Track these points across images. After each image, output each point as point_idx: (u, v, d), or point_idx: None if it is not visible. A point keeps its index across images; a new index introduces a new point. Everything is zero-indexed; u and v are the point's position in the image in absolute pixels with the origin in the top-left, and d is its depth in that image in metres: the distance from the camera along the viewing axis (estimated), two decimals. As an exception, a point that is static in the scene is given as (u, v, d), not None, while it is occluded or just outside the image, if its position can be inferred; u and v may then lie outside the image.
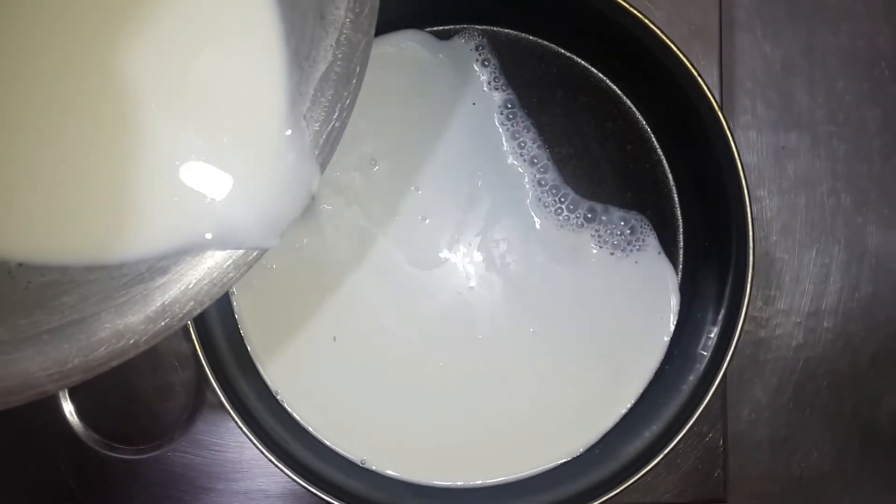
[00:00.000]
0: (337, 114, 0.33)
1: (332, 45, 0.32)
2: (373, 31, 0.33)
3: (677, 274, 0.50)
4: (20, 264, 0.33)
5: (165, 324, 0.32)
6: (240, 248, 0.33)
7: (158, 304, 0.33)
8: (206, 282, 0.33)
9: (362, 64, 0.33)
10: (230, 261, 0.33)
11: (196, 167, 0.33)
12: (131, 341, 0.32)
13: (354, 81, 0.33)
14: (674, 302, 0.50)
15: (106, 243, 0.33)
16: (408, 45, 0.50)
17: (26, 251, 0.32)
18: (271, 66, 0.33)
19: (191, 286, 0.33)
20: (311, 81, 0.33)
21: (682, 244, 0.51)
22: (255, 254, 0.33)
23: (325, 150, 0.33)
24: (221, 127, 0.33)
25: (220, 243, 0.33)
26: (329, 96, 0.33)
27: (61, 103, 0.33)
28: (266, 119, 0.33)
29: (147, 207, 0.33)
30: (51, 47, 0.33)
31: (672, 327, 0.49)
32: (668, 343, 0.49)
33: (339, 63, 0.32)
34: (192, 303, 0.33)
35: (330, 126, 0.33)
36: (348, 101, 0.33)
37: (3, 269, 0.33)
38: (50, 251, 0.33)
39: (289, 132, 0.33)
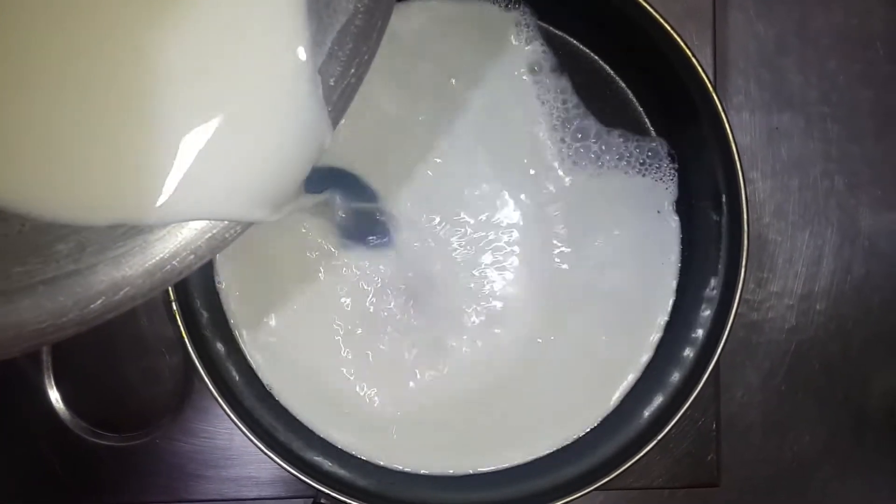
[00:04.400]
0: (354, 69, 0.31)
1: None
2: None
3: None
4: None
5: (163, 276, 0.31)
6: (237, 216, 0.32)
7: (158, 257, 0.31)
8: (207, 235, 0.32)
9: (384, 18, 0.31)
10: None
11: (206, 125, 0.31)
12: (129, 294, 0.31)
13: (375, 36, 0.31)
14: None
15: (105, 204, 0.32)
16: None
17: (24, 201, 0.31)
18: (291, 13, 0.31)
19: (191, 240, 0.32)
20: (329, 33, 0.31)
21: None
22: None
23: (339, 107, 0.31)
24: (233, 80, 0.31)
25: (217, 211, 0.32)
26: (347, 51, 0.31)
27: (71, 51, 0.31)
28: (280, 74, 0.31)
29: (154, 170, 0.31)
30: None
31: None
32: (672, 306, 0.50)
33: (360, 16, 0.31)
34: (191, 256, 0.32)
35: (346, 82, 0.31)
36: (367, 57, 0.31)
37: None
38: (49, 204, 0.32)
39: (305, 90, 0.31)
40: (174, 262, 0.31)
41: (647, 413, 0.47)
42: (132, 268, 0.31)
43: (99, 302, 0.31)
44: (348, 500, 0.45)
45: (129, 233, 0.32)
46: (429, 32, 0.49)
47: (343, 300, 0.49)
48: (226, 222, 0.32)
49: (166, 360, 0.52)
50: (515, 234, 0.49)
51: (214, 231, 0.32)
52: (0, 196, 0.31)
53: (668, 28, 0.44)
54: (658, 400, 0.47)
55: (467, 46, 0.49)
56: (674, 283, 0.49)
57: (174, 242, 0.32)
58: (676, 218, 0.50)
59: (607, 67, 0.51)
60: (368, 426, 0.48)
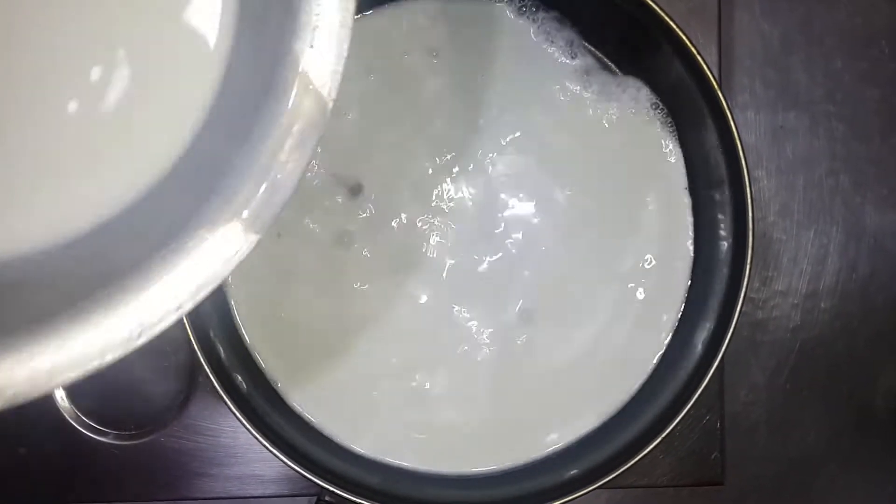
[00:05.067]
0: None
1: None
2: None
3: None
4: None
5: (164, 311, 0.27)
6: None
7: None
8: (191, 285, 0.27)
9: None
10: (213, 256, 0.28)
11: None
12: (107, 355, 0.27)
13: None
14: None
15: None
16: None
17: None
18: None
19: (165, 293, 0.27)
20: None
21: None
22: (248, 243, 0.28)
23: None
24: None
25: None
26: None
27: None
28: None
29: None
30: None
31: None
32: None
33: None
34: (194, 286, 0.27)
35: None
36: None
37: None
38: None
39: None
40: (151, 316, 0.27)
41: (651, 411, 0.47)
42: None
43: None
44: (353, 498, 0.45)
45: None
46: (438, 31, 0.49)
47: (348, 296, 0.49)
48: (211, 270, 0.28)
49: (172, 359, 0.52)
50: (518, 231, 0.49)
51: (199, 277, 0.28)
52: None
53: (674, 26, 0.44)
54: (662, 398, 0.47)
55: (474, 42, 0.49)
56: (684, 282, 0.49)
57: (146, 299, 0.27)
58: (690, 219, 0.50)
59: (612, 66, 0.51)
60: (374, 423, 0.48)
